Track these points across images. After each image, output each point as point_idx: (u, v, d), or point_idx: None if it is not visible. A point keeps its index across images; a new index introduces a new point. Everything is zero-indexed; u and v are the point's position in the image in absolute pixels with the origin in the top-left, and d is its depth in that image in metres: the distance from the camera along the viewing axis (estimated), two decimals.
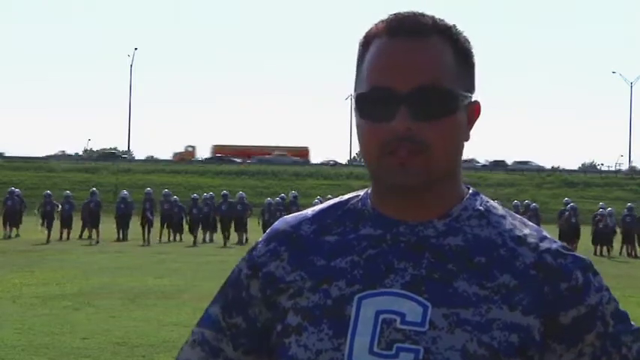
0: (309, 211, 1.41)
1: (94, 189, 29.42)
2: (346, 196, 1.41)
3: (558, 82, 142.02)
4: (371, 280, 1.27)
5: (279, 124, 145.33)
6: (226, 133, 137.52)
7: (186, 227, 27.04)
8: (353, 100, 1.30)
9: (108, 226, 26.93)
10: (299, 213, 1.42)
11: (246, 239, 26.55)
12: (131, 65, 73.81)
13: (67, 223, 26.40)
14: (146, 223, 26.28)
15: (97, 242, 24.60)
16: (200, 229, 27.16)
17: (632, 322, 1.31)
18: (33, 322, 9.81)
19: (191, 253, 22.04)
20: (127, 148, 76.42)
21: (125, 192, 28.88)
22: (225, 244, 25.61)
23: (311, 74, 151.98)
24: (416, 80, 1.24)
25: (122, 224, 26.67)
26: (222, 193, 29.37)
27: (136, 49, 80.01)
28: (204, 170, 56.12)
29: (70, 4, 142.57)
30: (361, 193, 1.39)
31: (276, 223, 1.42)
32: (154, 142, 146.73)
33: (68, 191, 29.75)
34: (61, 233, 26.09)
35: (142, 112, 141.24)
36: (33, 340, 8.75)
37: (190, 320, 10.09)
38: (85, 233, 26.23)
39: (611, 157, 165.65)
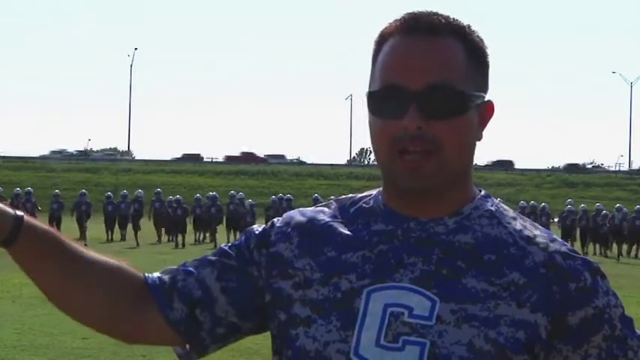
0: (324, 207, 1.41)
1: (83, 190, 28.71)
2: (358, 195, 1.42)
3: (558, 82, 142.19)
4: (381, 274, 1.28)
5: (279, 124, 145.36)
6: (225, 133, 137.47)
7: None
8: (365, 98, 1.31)
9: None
10: (314, 207, 1.43)
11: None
12: (131, 65, 73.94)
13: (55, 224, 25.41)
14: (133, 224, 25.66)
15: (85, 244, 23.89)
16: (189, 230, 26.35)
17: (636, 329, 1.32)
18: (33, 322, 9.83)
19: (191, 254, 21.99)
20: (127, 148, 76.44)
21: (110, 193, 28.29)
22: (213, 243, 24.91)
23: (311, 74, 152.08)
24: (427, 78, 1.25)
25: (110, 225, 26.16)
26: (210, 194, 28.49)
27: (136, 49, 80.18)
28: (203, 170, 56.11)
29: (70, 3, 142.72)
30: (374, 192, 1.40)
31: (292, 211, 1.43)
32: (154, 142, 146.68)
33: (57, 190, 29.08)
34: None
35: (142, 112, 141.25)
36: (33, 340, 8.77)
37: None
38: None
39: (611, 157, 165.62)
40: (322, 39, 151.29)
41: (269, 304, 1.35)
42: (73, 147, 71.78)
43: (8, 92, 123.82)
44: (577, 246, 24.72)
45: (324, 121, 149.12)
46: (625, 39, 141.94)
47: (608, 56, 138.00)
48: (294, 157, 67.75)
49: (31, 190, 27.38)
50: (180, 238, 25.44)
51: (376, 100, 1.28)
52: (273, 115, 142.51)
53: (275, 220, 1.41)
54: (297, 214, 1.41)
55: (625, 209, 26.96)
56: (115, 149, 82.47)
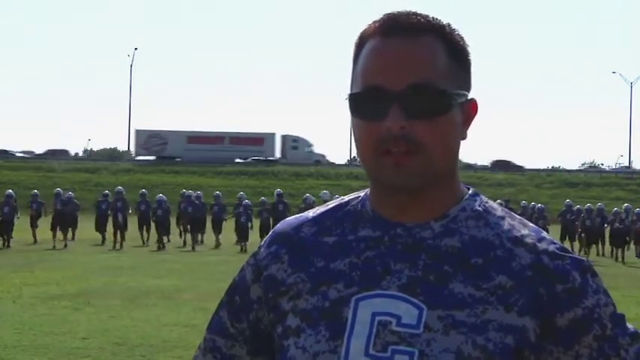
0: (310, 213, 1.42)
1: (58, 189, 27.04)
2: (346, 198, 1.42)
3: (558, 82, 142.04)
4: (368, 281, 1.27)
5: (278, 124, 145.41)
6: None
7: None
8: (347, 100, 1.30)
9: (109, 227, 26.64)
10: (300, 215, 1.43)
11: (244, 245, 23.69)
12: (131, 65, 73.89)
13: (34, 224, 24.76)
14: (116, 225, 24.27)
15: (65, 246, 22.84)
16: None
17: (628, 325, 1.31)
18: (33, 322, 9.82)
19: (191, 254, 22.00)
20: (127, 148, 76.38)
21: (107, 191, 27.35)
22: (191, 245, 23.90)
23: (311, 74, 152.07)
24: (408, 79, 1.24)
25: (103, 225, 25.01)
26: (185, 193, 27.00)
27: (136, 49, 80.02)
28: (203, 171, 56.10)
29: (70, 4, 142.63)
30: (361, 194, 1.39)
31: (277, 225, 1.44)
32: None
33: (36, 190, 28.08)
34: (34, 236, 24.47)
35: (142, 112, 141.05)
36: (33, 340, 8.75)
37: (190, 320, 10.11)
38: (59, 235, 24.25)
39: (611, 157, 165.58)
40: (322, 39, 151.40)
41: (271, 324, 1.36)
42: (73, 148, 70.69)
43: (8, 92, 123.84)
44: (578, 247, 24.55)
45: (324, 121, 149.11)
46: (625, 39, 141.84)
47: (608, 56, 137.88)
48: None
49: (12, 194, 25.42)
50: (164, 238, 24.10)
51: (358, 102, 1.28)
52: (272, 115, 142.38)
53: (262, 243, 1.42)
54: (283, 228, 1.41)
55: (637, 209, 25.53)
56: (115, 149, 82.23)
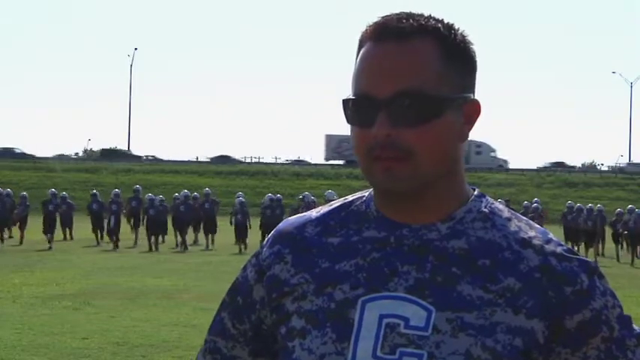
0: (313, 213, 1.41)
1: (52, 190, 26.76)
2: (350, 197, 1.41)
3: (558, 82, 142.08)
4: (375, 283, 1.27)
5: (279, 124, 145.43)
6: (225, 133, 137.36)
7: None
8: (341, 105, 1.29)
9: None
10: (303, 214, 1.42)
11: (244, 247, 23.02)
12: (131, 65, 73.96)
13: (22, 225, 24.45)
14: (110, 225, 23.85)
15: (50, 248, 22.12)
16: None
17: (634, 327, 1.31)
18: (33, 322, 9.83)
19: (191, 254, 21.99)
20: (127, 148, 76.38)
21: (95, 191, 27.06)
22: (179, 246, 23.46)
23: (311, 74, 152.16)
24: (394, 86, 1.23)
25: (98, 225, 24.75)
26: (182, 193, 26.51)
27: (135, 49, 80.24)
28: (204, 170, 56.07)
29: (70, 4, 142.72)
30: (365, 194, 1.39)
31: (280, 224, 1.43)
32: (154, 142, 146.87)
33: (24, 192, 27.68)
34: (21, 237, 24.15)
35: (142, 112, 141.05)
36: (33, 340, 8.76)
37: (190, 320, 10.11)
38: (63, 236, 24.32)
39: (611, 157, 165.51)
40: (322, 39, 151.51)
41: (274, 324, 1.36)
42: (73, 148, 70.48)
43: (8, 92, 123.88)
44: (580, 249, 24.49)
45: (324, 121, 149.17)
46: (625, 39, 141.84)
47: (608, 56, 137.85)
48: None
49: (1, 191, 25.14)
50: (159, 238, 23.30)
51: (349, 108, 1.28)
52: (273, 115, 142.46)
53: (264, 243, 1.41)
54: (285, 228, 1.40)
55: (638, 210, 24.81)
56: (115, 149, 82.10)
